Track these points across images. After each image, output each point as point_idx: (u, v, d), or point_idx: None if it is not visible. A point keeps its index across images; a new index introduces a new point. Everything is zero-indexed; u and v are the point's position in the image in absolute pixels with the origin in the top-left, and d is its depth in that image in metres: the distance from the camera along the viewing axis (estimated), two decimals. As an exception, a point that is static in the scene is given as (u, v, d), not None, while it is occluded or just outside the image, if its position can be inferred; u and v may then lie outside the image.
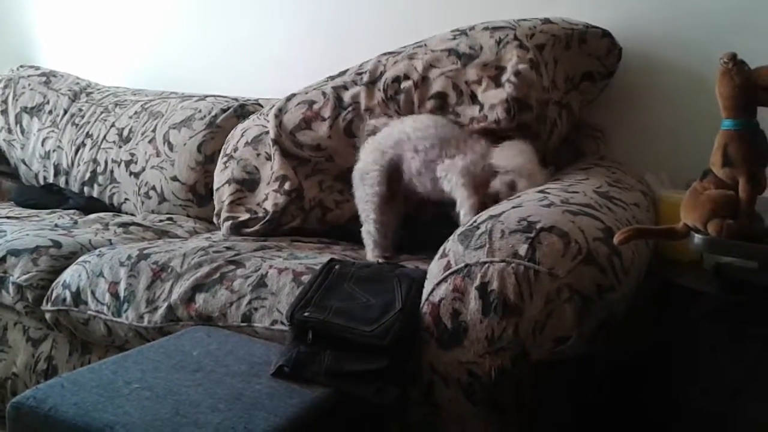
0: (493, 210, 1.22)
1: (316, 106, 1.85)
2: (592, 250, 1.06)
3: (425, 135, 1.59)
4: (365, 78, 1.81)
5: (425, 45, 1.76)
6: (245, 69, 2.57)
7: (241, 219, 1.91)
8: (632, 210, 1.33)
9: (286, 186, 1.85)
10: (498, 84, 1.62)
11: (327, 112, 1.82)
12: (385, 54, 1.84)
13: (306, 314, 1.18)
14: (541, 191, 1.34)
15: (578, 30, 1.67)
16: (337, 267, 1.34)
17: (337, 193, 1.85)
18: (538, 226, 1.09)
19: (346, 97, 1.82)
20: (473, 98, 1.64)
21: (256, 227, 1.87)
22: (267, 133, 1.93)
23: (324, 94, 1.86)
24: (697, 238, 1.04)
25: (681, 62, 1.79)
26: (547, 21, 1.67)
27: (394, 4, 2.22)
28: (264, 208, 1.89)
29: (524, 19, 1.68)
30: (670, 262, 1.54)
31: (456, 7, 2.09)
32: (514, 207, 1.21)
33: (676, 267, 1.53)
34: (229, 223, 1.92)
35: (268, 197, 1.89)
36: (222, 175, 2.03)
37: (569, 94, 1.69)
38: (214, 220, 2.02)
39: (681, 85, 1.79)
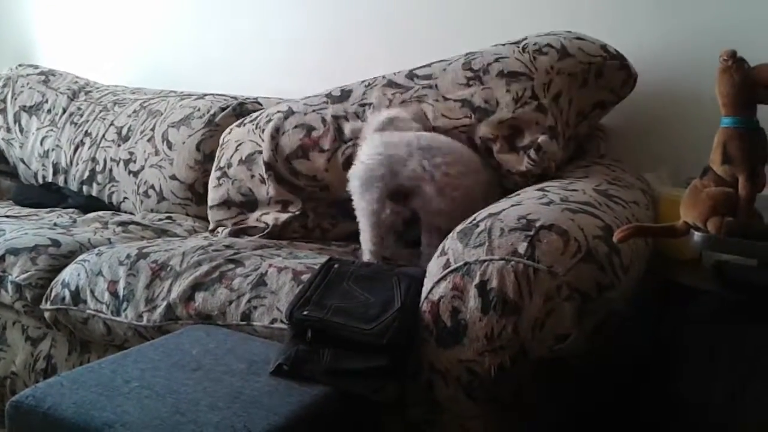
0: (493, 208, 1.22)
1: (314, 134, 1.82)
2: (591, 248, 1.06)
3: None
4: (368, 113, 1.77)
5: (436, 87, 1.70)
6: (244, 67, 2.57)
7: (241, 227, 1.92)
8: (632, 208, 1.33)
9: (291, 208, 1.86)
10: (512, 146, 1.59)
11: (326, 144, 1.80)
12: (390, 86, 1.79)
13: (305, 313, 1.18)
14: (541, 189, 1.34)
15: (595, 64, 1.60)
16: (336, 266, 1.34)
17: (330, 218, 1.84)
18: (538, 224, 1.09)
19: (347, 130, 1.79)
20: (489, 152, 1.62)
21: (257, 237, 1.85)
22: (260, 152, 1.90)
23: (324, 121, 1.83)
24: (697, 235, 1.04)
25: (680, 59, 1.79)
26: (564, 53, 1.59)
27: (395, 7, 2.21)
28: (264, 222, 1.89)
29: (540, 51, 1.60)
30: (670, 260, 1.54)
31: (475, 22, 2.08)
32: (513, 205, 1.20)
33: (676, 265, 1.52)
34: (228, 230, 1.92)
35: (270, 214, 1.89)
36: (216, 192, 2.00)
37: (579, 125, 1.65)
38: (220, 234, 1.98)
39: (680, 83, 1.79)
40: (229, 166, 1.99)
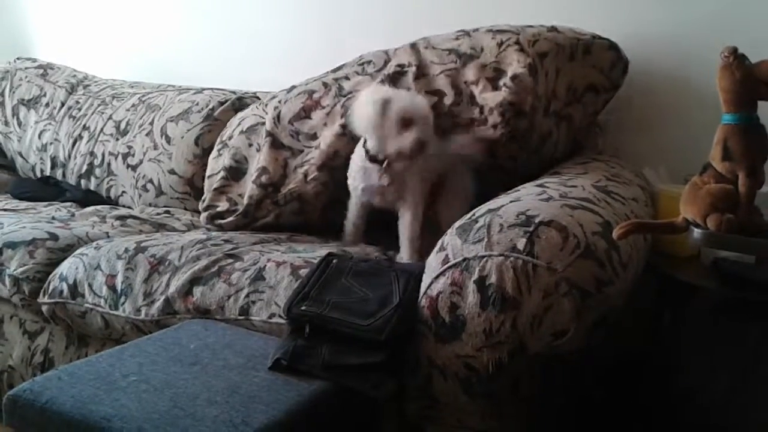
0: (492, 204, 1.22)
1: (316, 95, 1.85)
2: (590, 244, 1.06)
3: None
4: (368, 69, 1.82)
5: (428, 40, 1.76)
6: (243, 62, 2.57)
7: (218, 210, 1.92)
8: (631, 204, 1.33)
9: (263, 179, 1.84)
10: (495, 87, 1.61)
11: (327, 101, 1.83)
12: (385, 50, 1.85)
13: (303, 308, 1.18)
14: (540, 185, 1.33)
15: (584, 40, 1.65)
16: (334, 261, 1.34)
17: (321, 185, 1.81)
18: (537, 220, 1.09)
19: (347, 86, 1.83)
20: (472, 99, 1.64)
21: (231, 218, 1.87)
22: (263, 124, 1.93)
23: (325, 84, 1.86)
24: (697, 232, 1.04)
25: (680, 56, 1.78)
26: (553, 29, 1.66)
27: (399, 6, 2.21)
28: (242, 201, 1.89)
29: (531, 26, 1.67)
30: (668, 256, 1.54)
31: (463, 9, 2.08)
32: (512, 201, 1.20)
33: (674, 261, 1.53)
34: (206, 213, 1.93)
35: (249, 189, 1.89)
36: (215, 163, 2.02)
37: (571, 105, 1.67)
38: (199, 206, 2.00)
39: (679, 79, 1.79)
40: (230, 137, 2.02)
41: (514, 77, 1.57)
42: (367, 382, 1.09)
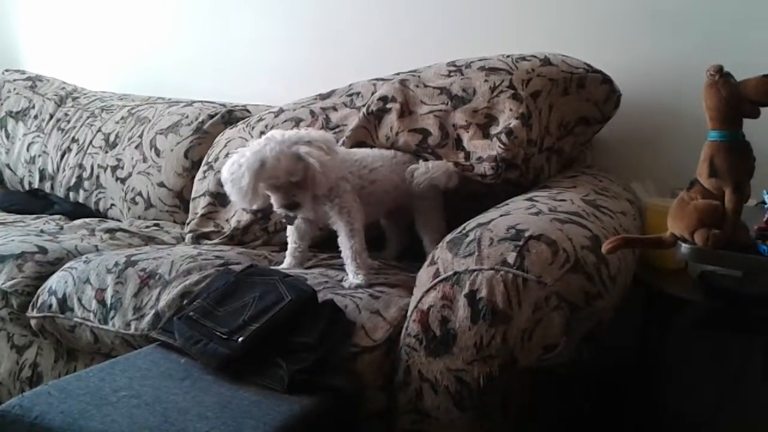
0: (482, 218, 1.23)
1: (303, 125, 1.85)
2: (579, 258, 1.07)
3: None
4: (357, 102, 1.81)
5: (419, 76, 1.75)
6: (233, 74, 2.58)
7: (203, 231, 1.92)
8: (619, 218, 1.34)
9: (254, 206, 1.84)
10: (485, 134, 1.60)
11: None
12: (377, 79, 1.84)
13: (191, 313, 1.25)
14: (529, 199, 1.34)
15: (577, 75, 1.63)
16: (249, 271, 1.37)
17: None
18: (527, 234, 1.10)
19: (335, 117, 1.83)
20: (458, 143, 1.63)
21: (216, 240, 1.87)
22: None
23: (313, 113, 1.86)
24: (684, 247, 1.05)
25: (666, 71, 1.81)
26: (546, 62, 1.64)
27: (388, 20, 2.23)
28: (230, 225, 1.89)
29: (523, 58, 1.65)
30: (656, 269, 1.55)
31: (457, 35, 2.09)
32: (502, 215, 1.21)
33: (662, 275, 1.54)
34: (190, 234, 1.93)
35: (235, 214, 1.89)
36: (200, 185, 2.03)
37: (562, 139, 1.66)
38: (185, 229, 2.01)
39: (666, 95, 1.81)
40: (216, 159, 2.01)
41: (509, 133, 1.54)
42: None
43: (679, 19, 1.78)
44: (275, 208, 1.45)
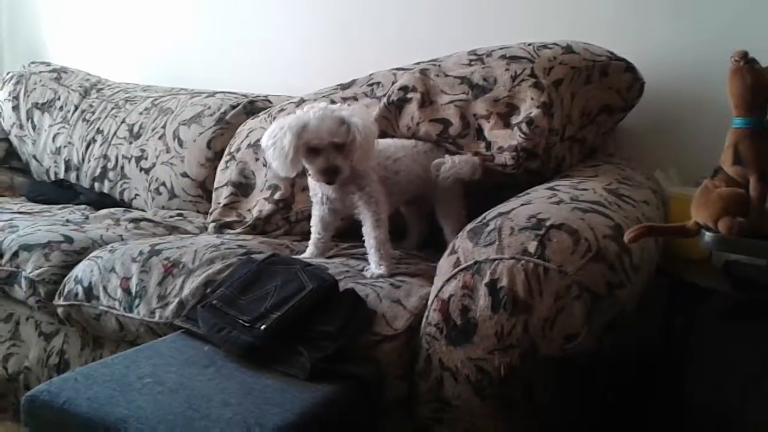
0: (503, 207, 1.22)
1: None
2: (601, 247, 1.07)
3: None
4: (377, 92, 1.81)
5: (440, 65, 1.74)
6: (255, 65, 2.58)
7: (226, 220, 1.93)
8: (642, 207, 1.33)
9: (276, 195, 1.86)
10: (506, 123, 1.59)
11: None
12: (397, 68, 1.84)
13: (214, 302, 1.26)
14: (551, 188, 1.34)
15: (600, 62, 1.62)
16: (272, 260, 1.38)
17: None
18: (548, 223, 1.09)
19: None
20: (479, 133, 1.62)
21: (238, 230, 1.89)
22: None
23: (333, 103, 1.86)
24: (708, 236, 1.04)
25: (690, 58, 1.78)
26: (569, 50, 1.62)
27: (409, 11, 2.22)
28: (252, 214, 1.90)
29: (545, 46, 1.63)
30: (679, 259, 1.54)
31: (477, 24, 2.08)
32: (523, 204, 1.21)
33: (685, 264, 1.53)
34: (213, 224, 1.95)
35: (257, 204, 1.90)
36: (222, 175, 2.04)
37: (585, 128, 1.65)
38: (207, 218, 2.03)
39: (692, 83, 1.78)
40: (238, 150, 2.03)
41: (529, 122, 1.53)
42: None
43: (703, 4, 1.76)
44: (313, 175, 1.45)
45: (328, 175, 1.42)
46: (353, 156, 1.41)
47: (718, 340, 1.64)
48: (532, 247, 1.07)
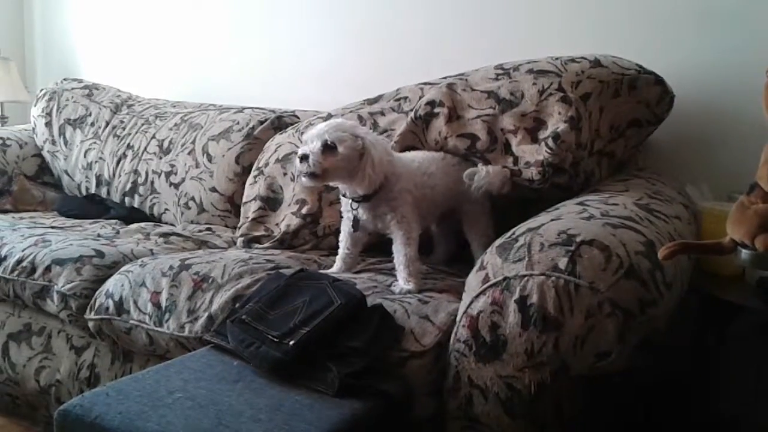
0: (532, 222, 1.21)
1: None
2: (633, 263, 1.05)
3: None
4: (404, 106, 1.82)
5: (467, 79, 1.74)
6: (281, 82, 2.61)
7: (254, 235, 1.94)
8: (674, 223, 1.31)
9: (304, 210, 1.87)
10: (534, 138, 1.58)
11: None
12: (424, 83, 1.85)
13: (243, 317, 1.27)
14: (581, 203, 1.33)
15: (629, 76, 1.60)
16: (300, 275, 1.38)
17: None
18: (578, 239, 1.08)
19: (383, 122, 1.84)
20: (507, 148, 1.61)
21: (267, 244, 1.90)
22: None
23: (360, 118, 1.87)
24: (745, 253, 1.02)
25: (722, 71, 1.76)
26: (597, 64, 1.61)
27: (436, 26, 2.23)
28: (279, 229, 1.91)
29: (573, 60, 1.62)
30: (712, 275, 1.51)
31: (504, 38, 2.08)
32: (553, 219, 1.20)
33: (718, 281, 1.50)
34: (242, 239, 1.96)
35: (285, 218, 1.91)
36: (251, 190, 2.06)
37: (614, 142, 1.64)
38: (236, 233, 2.04)
39: (723, 95, 1.76)
40: (266, 165, 2.05)
41: (556, 137, 1.52)
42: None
43: (733, 17, 1.74)
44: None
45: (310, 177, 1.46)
46: (356, 174, 1.45)
47: (751, 358, 1.61)
48: (562, 263, 1.06)
